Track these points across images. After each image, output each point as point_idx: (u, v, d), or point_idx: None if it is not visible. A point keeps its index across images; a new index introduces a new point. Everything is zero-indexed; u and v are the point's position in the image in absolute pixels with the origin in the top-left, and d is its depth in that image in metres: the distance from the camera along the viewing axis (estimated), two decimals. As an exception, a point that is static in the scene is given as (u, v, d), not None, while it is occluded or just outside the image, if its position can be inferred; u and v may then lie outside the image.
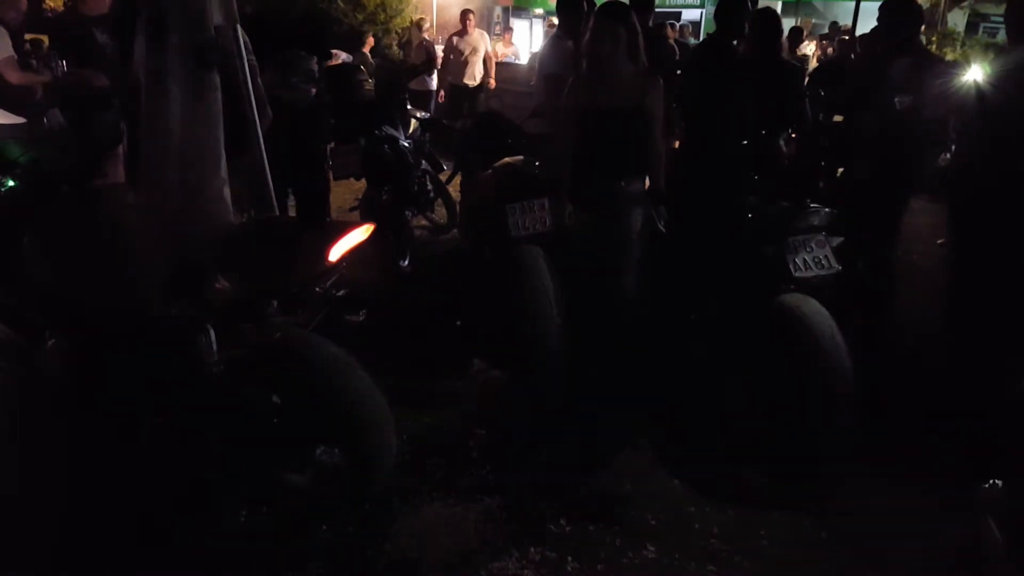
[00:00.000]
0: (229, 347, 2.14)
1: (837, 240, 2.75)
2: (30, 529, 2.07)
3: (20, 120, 4.09)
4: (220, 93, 2.54)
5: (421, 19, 8.96)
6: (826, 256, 2.65)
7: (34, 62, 4.39)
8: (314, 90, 3.89)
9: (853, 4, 6.48)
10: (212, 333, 2.10)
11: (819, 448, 2.54)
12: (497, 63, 8.85)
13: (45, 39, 5.08)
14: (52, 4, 10.71)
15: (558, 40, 4.58)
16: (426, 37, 8.46)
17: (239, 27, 2.52)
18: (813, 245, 2.64)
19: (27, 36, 4.81)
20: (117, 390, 2.22)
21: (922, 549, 2.17)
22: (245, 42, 2.66)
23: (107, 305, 2.16)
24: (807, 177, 3.02)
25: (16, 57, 4.13)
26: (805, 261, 2.61)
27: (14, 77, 4.10)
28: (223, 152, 2.57)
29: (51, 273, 2.31)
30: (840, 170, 3.69)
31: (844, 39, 7.61)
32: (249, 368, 2.10)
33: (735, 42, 3.86)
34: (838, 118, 3.86)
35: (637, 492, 2.40)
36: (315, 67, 3.86)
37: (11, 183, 2.59)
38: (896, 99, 3.20)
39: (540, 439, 2.66)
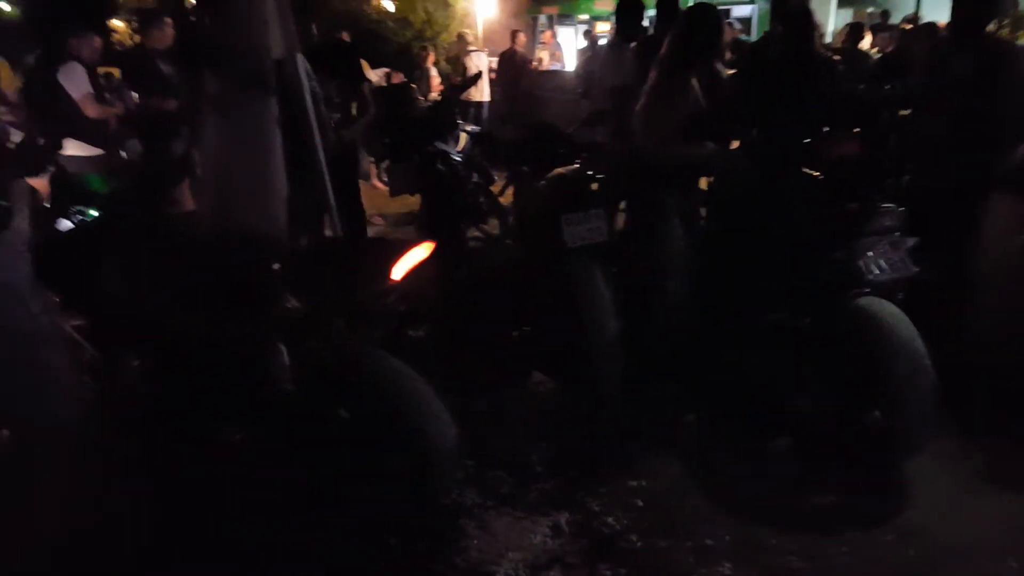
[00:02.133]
0: (299, 364, 2.19)
1: (912, 241, 2.63)
2: (108, 539, 2.15)
3: (98, 152, 4.32)
4: (278, 118, 2.62)
5: (462, 32, 9.09)
6: (901, 258, 2.54)
7: (107, 95, 4.64)
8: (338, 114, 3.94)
9: (914, -8, 6.24)
10: (283, 350, 2.16)
11: (900, 457, 2.44)
12: (543, 71, 8.88)
13: (116, 72, 5.36)
14: (119, 38, 11.30)
15: (617, 48, 4.57)
16: (472, 48, 8.56)
17: (301, 57, 2.59)
18: (888, 247, 2.53)
19: (99, 70, 5.08)
20: (193, 406, 2.30)
21: (1016, 567, 2.04)
22: (308, 71, 2.74)
23: (182, 325, 2.25)
24: (876, 176, 2.91)
25: (93, 92, 4.37)
26: (879, 264, 2.50)
27: (92, 111, 4.34)
28: (283, 175, 2.65)
29: (129, 296, 2.43)
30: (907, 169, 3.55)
31: (906, 29, 7.32)
32: (318, 384, 2.14)
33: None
34: (903, 113, 3.72)
35: (708, 507, 2.34)
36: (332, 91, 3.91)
37: (93, 213, 2.73)
38: (967, 93, 3.06)
39: (603, 453, 2.63)
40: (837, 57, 4.17)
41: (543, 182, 3.40)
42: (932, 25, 5.52)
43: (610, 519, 2.28)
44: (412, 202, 5.00)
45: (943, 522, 2.21)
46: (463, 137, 4.79)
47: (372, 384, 2.08)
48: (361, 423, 2.15)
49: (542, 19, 14.62)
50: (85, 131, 4.25)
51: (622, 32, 4.68)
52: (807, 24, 3.63)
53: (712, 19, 3.08)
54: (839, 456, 2.50)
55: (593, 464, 2.56)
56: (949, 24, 3.31)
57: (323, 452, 2.17)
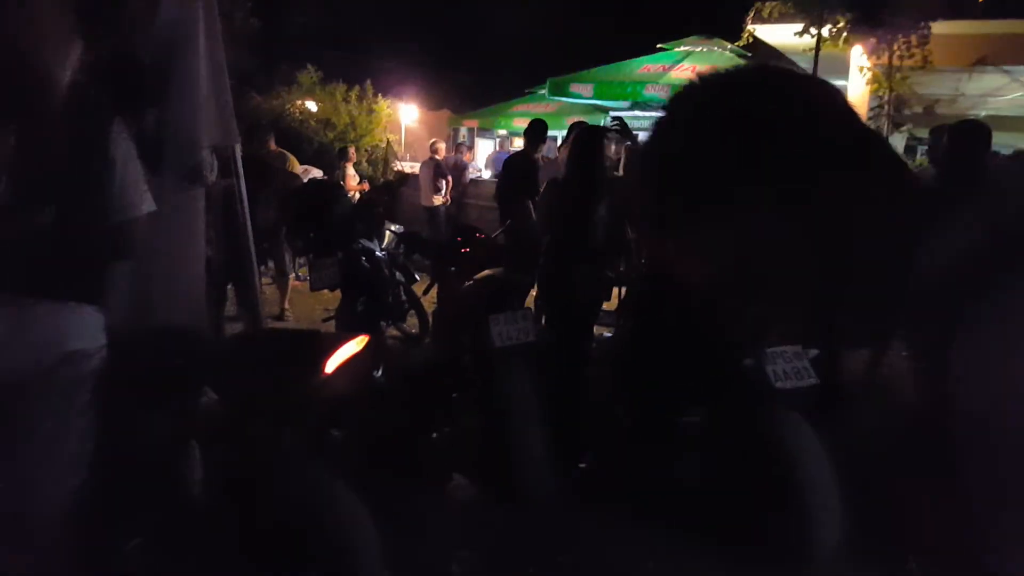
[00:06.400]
0: (213, 465, 2.04)
1: (813, 352, 2.85)
2: None
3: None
4: (204, 210, 2.58)
5: (390, 140, 9.34)
6: (805, 367, 2.73)
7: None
8: None
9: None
10: (196, 450, 2.01)
11: (808, 558, 2.52)
12: (475, 180, 9.23)
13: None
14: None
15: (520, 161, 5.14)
16: (436, 157, 8.75)
17: (237, 147, 2.60)
18: (791, 356, 2.72)
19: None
20: (97, 509, 2.07)
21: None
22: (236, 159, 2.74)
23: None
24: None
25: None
26: (785, 371, 2.68)
27: None
28: (203, 266, 2.57)
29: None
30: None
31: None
32: (233, 488, 1.99)
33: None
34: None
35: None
36: None
37: None
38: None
39: (524, 562, 2.55)
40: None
41: (471, 282, 3.47)
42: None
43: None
44: (327, 298, 4.93)
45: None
46: (388, 236, 4.85)
47: (291, 490, 1.96)
48: (279, 531, 2.00)
49: (463, 131, 15.34)
50: None
51: (527, 147, 5.31)
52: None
53: (593, 135, 3.62)
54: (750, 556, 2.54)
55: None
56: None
57: (236, 562, 1.99)
